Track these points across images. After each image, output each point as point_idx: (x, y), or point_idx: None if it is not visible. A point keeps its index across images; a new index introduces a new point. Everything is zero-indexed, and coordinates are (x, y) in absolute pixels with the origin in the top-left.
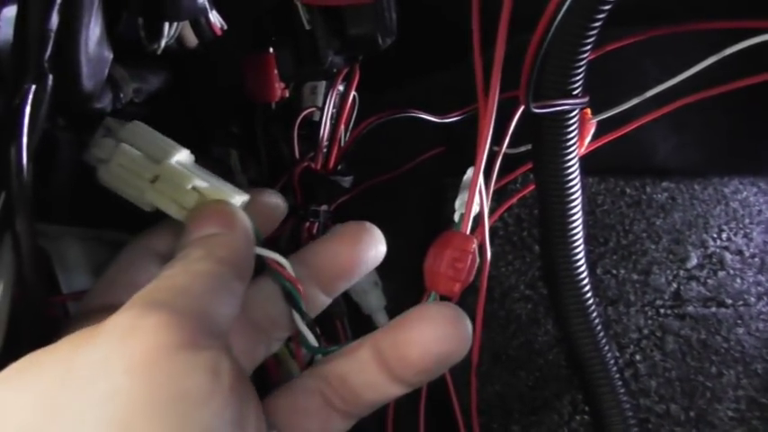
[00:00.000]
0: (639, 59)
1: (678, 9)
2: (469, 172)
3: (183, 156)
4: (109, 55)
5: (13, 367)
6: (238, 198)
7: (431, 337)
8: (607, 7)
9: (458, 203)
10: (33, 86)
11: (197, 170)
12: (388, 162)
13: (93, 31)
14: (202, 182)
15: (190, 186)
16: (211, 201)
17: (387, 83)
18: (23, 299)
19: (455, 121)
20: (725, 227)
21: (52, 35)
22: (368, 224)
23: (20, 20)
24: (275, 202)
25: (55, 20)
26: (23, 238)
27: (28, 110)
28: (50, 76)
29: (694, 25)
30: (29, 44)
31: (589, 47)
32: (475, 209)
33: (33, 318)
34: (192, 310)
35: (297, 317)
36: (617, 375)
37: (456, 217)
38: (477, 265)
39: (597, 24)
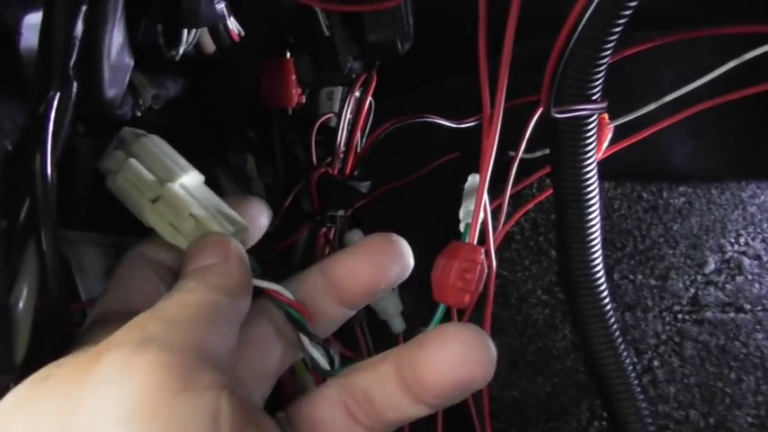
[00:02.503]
0: (656, 64)
1: (696, 14)
2: (470, 178)
3: (190, 178)
4: (130, 62)
5: (11, 402)
6: (235, 227)
7: (447, 362)
8: (628, 12)
9: (462, 213)
10: (58, 94)
11: (203, 194)
12: (403, 167)
13: (116, 38)
14: (201, 210)
15: (187, 213)
16: (207, 233)
17: (401, 88)
18: (47, 306)
19: (470, 127)
20: (743, 231)
21: (77, 42)
22: (394, 237)
23: (45, 26)
24: (255, 214)
25: (80, 27)
26: (48, 245)
27: (53, 117)
28: (75, 84)
29: (712, 30)
30: (54, 51)
31: (609, 52)
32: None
33: (56, 325)
34: (187, 344)
35: (305, 340)
36: (635, 381)
37: (462, 227)
38: (485, 275)
39: (618, 30)
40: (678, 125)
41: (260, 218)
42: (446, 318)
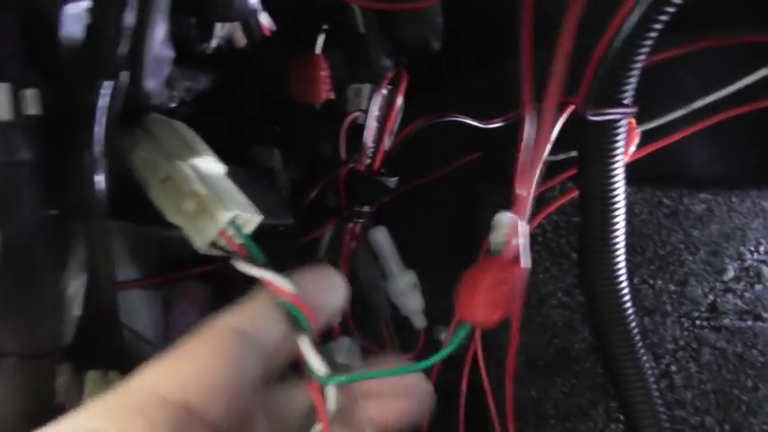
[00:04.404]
0: (683, 71)
1: (723, 22)
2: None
3: (205, 163)
4: (170, 54)
5: None
6: (238, 212)
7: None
8: (667, 18)
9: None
10: (110, 83)
11: (218, 181)
12: (425, 166)
13: (160, 29)
14: (204, 188)
15: (188, 189)
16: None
17: (425, 89)
18: (95, 290)
19: (496, 128)
20: (762, 240)
21: (126, 32)
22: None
23: (96, 15)
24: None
25: (131, 18)
26: (96, 232)
27: (101, 106)
28: (124, 73)
29: (740, 39)
30: (104, 39)
31: (645, 56)
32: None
33: (103, 309)
34: None
35: (304, 342)
36: (654, 386)
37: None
38: (521, 293)
39: (655, 35)
40: (700, 132)
41: (332, 295)
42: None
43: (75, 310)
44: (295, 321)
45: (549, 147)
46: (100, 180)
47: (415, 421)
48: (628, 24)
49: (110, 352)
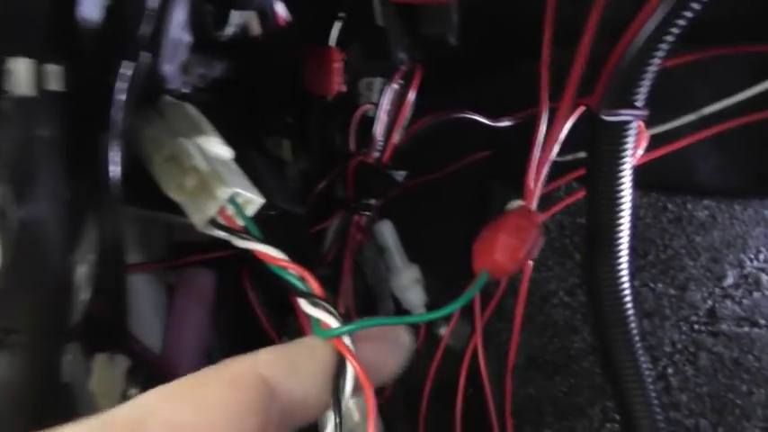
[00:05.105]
0: (692, 79)
1: (735, 31)
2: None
3: (212, 144)
4: (188, 39)
5: None
6: (238, 190)
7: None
8: (685, 23)
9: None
10: (130, 63)
11: (224, 164)
12: (434, 162)
13: (180, 13)
14: (205, 165)
15: (189, 165)
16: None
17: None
18: (105, 274)
19: (507, 126)
20: (762, 248)
21: (150, 14)
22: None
23: None
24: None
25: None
26: (109, 216)
27: (123, 86)
28: (146, 54)
29: (749, 48)
30: (127, 20)
31: (661, 60)
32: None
33: (112, 291)
34: None
35: (304, 303)
36: (651, 387)
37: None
38: (540, 242)
39: (673, 39)
40: (706, 140)
41: (391, 356)
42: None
43: (84, 291)
44: (294, 287)
45: (558, 145)
46: (115, 162)
47: (390, 371)
48: (647, 27)
49: (117, 335)
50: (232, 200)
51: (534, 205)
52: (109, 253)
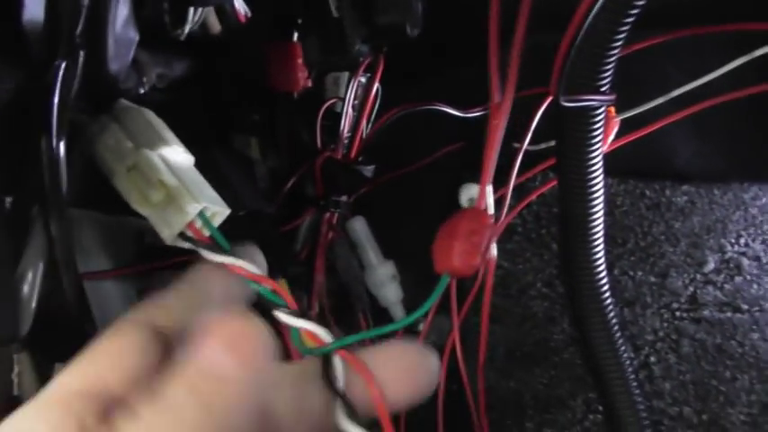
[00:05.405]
0: (663, 61)
1: (704, 11)
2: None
3: (174, 153)
4: (135, 36)
5: None
6: (207, 205)
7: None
8: (641, 3)
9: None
10: (64, 63)
11: (186, 172)
12: (407, 155)
13: (122, 10)
14: (173, 179)
15: (157, 180)
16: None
17: (407, 77)
18: (57, 279)
19: (477, 117)
20: (743, 232)
21: (84, 11)
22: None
23: None
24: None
25: None
26: (56, 219)
27: (59, 87)
28: (82, 53)
29: (720, 27)
30: (61, 19)
31: (620, 44)
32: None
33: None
34: None
35: (282, 316)
36: (632, 376)
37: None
38: (494, 240)
39: (629, 21)
40: (683, 125)
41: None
42: (446, 294)
43: (33, 299)
44: (268, 300)
45: (502, 131)
46: (59, 165)
47: (423, 395)
48: (598, 9)
49: (78, 344)
50: (200, 213)
51: (486, 204)
52: (59, 259)
